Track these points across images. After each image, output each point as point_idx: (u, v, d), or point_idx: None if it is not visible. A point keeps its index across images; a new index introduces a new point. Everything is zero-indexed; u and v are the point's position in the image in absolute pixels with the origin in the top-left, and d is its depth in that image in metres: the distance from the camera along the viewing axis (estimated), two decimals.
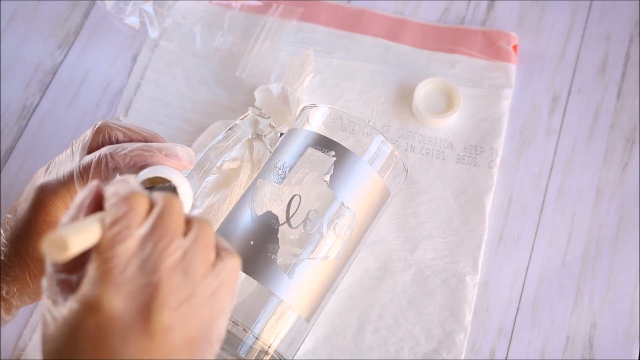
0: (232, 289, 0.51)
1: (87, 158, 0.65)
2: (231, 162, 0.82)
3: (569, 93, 0.91)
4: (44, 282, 0.51)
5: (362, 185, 0.73)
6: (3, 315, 0.68)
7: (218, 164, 0.81)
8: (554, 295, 0.81)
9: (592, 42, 0.93)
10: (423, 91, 0.89)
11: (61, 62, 0.93)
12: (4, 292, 0.67)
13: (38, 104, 0.91)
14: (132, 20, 0.91)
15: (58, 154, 0.87)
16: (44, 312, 0.50)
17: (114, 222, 0.48)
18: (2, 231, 0.68)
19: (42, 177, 0.67)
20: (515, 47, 0.92)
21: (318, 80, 0.91)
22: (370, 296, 0.80)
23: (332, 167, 0.73)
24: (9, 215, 0.68)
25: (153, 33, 0.92)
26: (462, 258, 0.81)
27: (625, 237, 0.83)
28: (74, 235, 0.47)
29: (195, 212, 0.78)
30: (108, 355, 0.46)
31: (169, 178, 0.61)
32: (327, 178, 0.72)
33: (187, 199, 0.62)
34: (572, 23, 0.94)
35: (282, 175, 0.73)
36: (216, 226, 0.76)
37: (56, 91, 0.91)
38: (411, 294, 0.80)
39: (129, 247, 0.48)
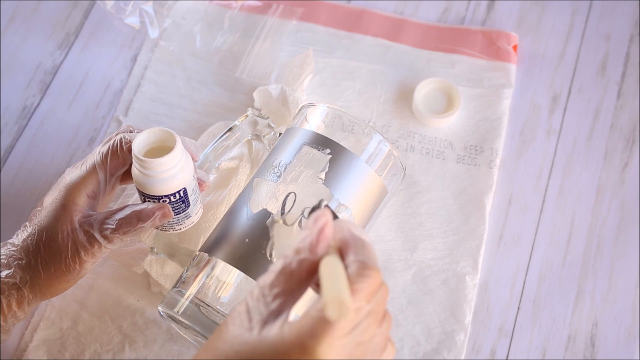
0: None
1: (105, 147, 0.73)
2: (229, 161, 0.82)
3: (569, 93, 0.91)
4: (256, 291, 0.56)
5: (359, 184, 0.73)
6: (15, 309, 0.70)
7: (217, 165, 0.81)
8: (555, 295, 0.81)
9: (592, 42, 0.93)
10: (423, 91, 0.89)
11: (61, 62, 0.93)
12: (17, 278, 0.70)
13: (38, 104, 0.91)
14: (132, 20, 0.91)
15: (58, 153, 0.88)
16: (244, 308, 0.55)
17: (355, 292, 0.54)
18: (27, 222, 0.73)
19: (69, 173, 0.74)
20: (515, 47, 0.92)
21: (318, 80, 0.91)
22: None
23: (328, 164, 0.73)
24: (38, 208, 0.73)
25: (153, 33, 0.92)
26: (462, 258, 0.81)
27: (625, 237, 0.83)
28: (348, 298, 0.52)
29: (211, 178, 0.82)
30: None
31: (172, 143, 0.70)
32: (323, 176, 0.72)
33: (187, 159, 0.71)
34: (572, 23, 0.95)
35: (278, 174, 0.73)
36: (214, 225, 0.76)
37: (56, 91, 0.92)
38: (411, 294, 0.80)
39: (355, 318, 0.53)
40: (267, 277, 0.56)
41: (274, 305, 0.55)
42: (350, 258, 0.55)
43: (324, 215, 0.56)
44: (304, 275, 0.55)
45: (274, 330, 0.53)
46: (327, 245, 0.56)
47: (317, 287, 0.57)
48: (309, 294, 0.57)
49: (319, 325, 0.52)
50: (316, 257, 0.55)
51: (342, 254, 0.56)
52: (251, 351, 0.53)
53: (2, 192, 0.85)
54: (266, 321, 0.54)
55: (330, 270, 0.54)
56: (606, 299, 0.80)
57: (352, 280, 0.54)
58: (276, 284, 0.55)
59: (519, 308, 0.80)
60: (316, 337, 0.52)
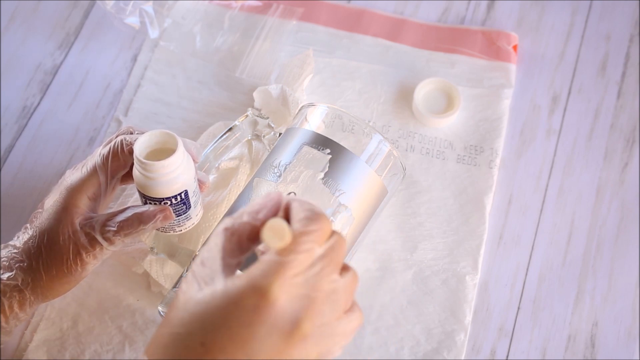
0: (350, 338, 0.57)
1: (106, 148, 0.73)
2: (229, 161, 0.82)
3: (569, 93, 0.91)
4: (205, 251, 0.56)
5: (359, 184, 0.73)
6: (17, 311, 0.71)
7: (217, 165, 0.81)
8: (555, 295, 0.81)
9: (592, 42, 0.93)
10: (423, 91, 0.89)
11: (61, 62, 0.93)
12: (19, 280, 0.70)
13: (38, 104, 0.91)
14: (132, 20, 0.91)
15: (58, 153, 0.88)
16: (190, 276, 0.56)
17: (304, 234, 0.54)
18: (28, 224, 0.73)
19: (69, 175, 0.74)
20: (515, 47, 0.92)
21: (318, 80, 0.91)
22: (370, 296, 0.80)
23: (328, 164, 0.73)
24: (39, 210, 0.73)
25: (153, 33, 0.92)
26: (462, 258, 0.81)
27: (625, 236, 0.83)
28: (286, 225, 0.53)
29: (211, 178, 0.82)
30: (246, 340, 0.52)
31: (174, 146, 0.70)
32: (322, 175, 0.72)
33: (188, 161, 0.71)
34: (572, 23, 0.95)
35: (278, 174, 0.73)
36: (214, 225, 0.76)
37: (56, 91, 0.92)
38: (411, 294, 0.80)
39: (306, 259, 0.54)
40: (209, 240, 0.57)
41: (218, 265, 0.55)
42: (298, 210, 0.56)
43: (276, 193, 0.57)
44: (245, 239, 0.56)
45: (223, 282, 0.54)
46: (270, 212, 0.57)
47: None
48: None
49: (270, 267, 0.53)
50: (257, 222, 0.56)
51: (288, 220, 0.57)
52: (205, 308, 0.53)
53: (2, 192, 0.85)
54: (214, 279, 0.55)
55: (273, 220, 0.54)
56: (606, 299, 0.80)
57: (301, 224, 0.55)
58: (216, 245, 0.56)
59: (519, 308, 0.80)
60: (267, 277, 0.52)
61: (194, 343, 0.53)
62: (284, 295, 0.52)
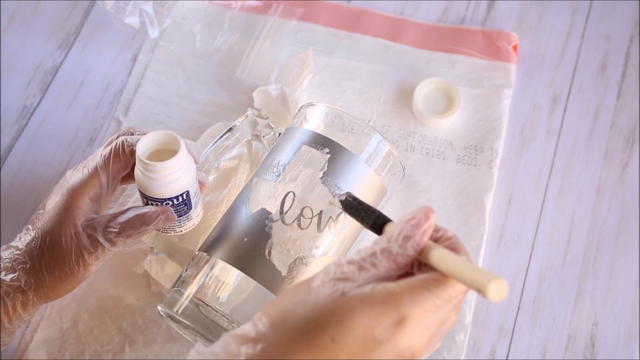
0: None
1: (107, 149, 0.73)
2: (229, 161, 0.82)
3: (569, 93, 0.91)
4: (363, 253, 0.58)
5: (358, 183, 0.73)
6: (20, 312, 0.71)
7: (216, 165, 0.81)
8: (555, 295, 0.81)
9: (592, 42, 0.93)
10: (423, 91, 0.89)
11: (61, 62, 0.93)
12: (22, 282, 0.70)
13: (38, 104, 0.91)
14: (132, 20, 0.91)
15: (58, 153, 0.88)
16: (344, 264, 0.58)
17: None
18: (30, 225, 0.73)
19: (71, 175, 0.73)
20: (515, 47, 0.92)
21: (318, 80, 0.91)
22: None
23: (327, 164, 0.73)
24: (40, 211, 0.73)
25: (153, 33, 0.92)
26: None
27: (625, 236, 0.83)
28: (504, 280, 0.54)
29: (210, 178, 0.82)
30: (371, 351, 0.54)
31: (176, 147, 0.70)
32: (321, 175, 0.72)
33: (190, 162, 0.71)
34: (572, 23, 0.95)
35: (277, 173, 0.73)
36: (213, 225, 0.76)
37: (56, 91, 0.92)
38: None
39: (449, 299, 0.56)
40: (368, 249, 0.58)
41: (372, 274, 0.57)
42: (464, 257, 0.58)
43: (427, 218, 0.58)
44: (404, 264, 0.58)
45: (371, 288, 0.56)
46: (422, 247, 0.58)
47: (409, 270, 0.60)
48: None
49: (419, 296, 0.55)
50: (413, 254, 0.58)
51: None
52: (346, 305, 0.55)
53: (2, 192, 0.85)
54: (362, 283, 0.56)
55: (456, 258, 0.56)
56: (606, 299, 0.80)
57: None
58: (374, 257, 0.58)
59: (519, 308, 0.80)
60: (413, 305, 0.55)
61: (325, 336, 0.54)
62: (417, 325, 0.55)
